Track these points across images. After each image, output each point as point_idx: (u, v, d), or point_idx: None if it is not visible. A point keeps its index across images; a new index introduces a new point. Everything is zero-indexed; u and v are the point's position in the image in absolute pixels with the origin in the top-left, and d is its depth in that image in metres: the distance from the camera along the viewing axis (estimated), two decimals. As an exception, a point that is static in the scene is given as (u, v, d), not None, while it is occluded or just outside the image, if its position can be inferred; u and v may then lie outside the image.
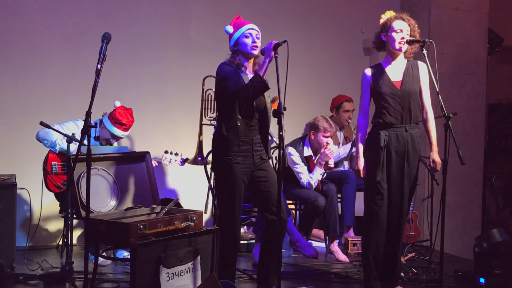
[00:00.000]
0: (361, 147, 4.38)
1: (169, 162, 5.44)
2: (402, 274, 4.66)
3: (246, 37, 3.96)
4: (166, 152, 5.42)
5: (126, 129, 5.37)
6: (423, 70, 4.34)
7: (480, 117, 6.88)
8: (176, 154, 5.45)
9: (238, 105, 3.90)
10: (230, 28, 4.03)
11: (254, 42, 3.95)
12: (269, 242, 4.10)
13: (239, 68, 3.96)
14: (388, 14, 4.36)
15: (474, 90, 6.82)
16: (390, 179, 4.29)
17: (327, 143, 5.51)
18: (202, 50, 6.34)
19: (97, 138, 5.37)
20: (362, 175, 4.38)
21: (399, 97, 4.25)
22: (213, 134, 5.09)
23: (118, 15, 6.13)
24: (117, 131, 5.31)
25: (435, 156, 4.31)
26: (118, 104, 5.33)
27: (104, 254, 4.26)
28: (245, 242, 5.68)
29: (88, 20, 6.00)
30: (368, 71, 4.37)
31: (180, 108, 6.32)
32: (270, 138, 4.16)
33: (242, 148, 3.94)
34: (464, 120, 6.63)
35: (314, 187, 5.54)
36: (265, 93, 3.97)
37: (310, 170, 5.59)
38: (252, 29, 3.98)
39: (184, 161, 5.51)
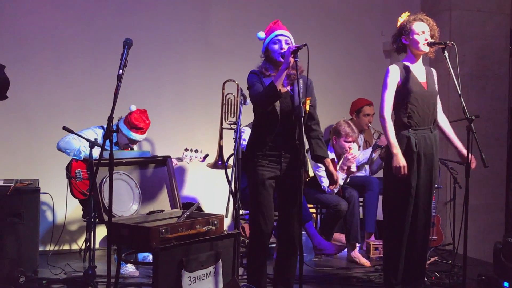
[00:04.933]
0: (394, 142, 4.16)
1: (190, 160, 5.46)
2: (425, 278, 4.63)
3: (275, 43, 3.91)
4: (186, 150, 5.44)
5: (143, 133, 5.39)
6: (435, 75, 4.37)
7: (502, 120, 6.81)
8: (196, 151, 5.48)
9: (262, 111, 3.90)
10: (261, 34, 3.99)
11: (281, 48, 3.89)
12: (283, 250, 4.08)
13: (264, 76, 3.94)
14: (404, 16, 4.32)
15: (496, 93, 6.75)
16: (419, 182, 4.23)
17: (350, 147, 5.49)
18: (222, 55, 6.37)
19: (116, 143, 5.39)
20: (403, 173, 4.11)
21: (426, 98, 4.22)
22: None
23: (138, 20, 6.17)
24: (135, 136, 5.34)
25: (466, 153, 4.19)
26: (133, 108, 5.34)
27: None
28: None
29: (108, 25, 6.06)
30: (395, 68, 4.26)
31: (200, 113, 6.35)
32: None
33: (268, 152, 3.92)
34: (486, 122, 6.57)
35: (335, 191, 5.52)
36: (296, 99, 3.87)
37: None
38: (282, 35, 3.93)
39: (205, 157, 5.52)
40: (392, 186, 4.29)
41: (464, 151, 4.26)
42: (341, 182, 5.51)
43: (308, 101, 3.87)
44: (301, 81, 3.91)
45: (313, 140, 4.07)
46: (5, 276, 4.27)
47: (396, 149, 4.13)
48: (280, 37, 3.92)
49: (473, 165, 4.18)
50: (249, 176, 4.02)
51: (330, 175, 4.09)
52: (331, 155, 5.67)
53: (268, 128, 3.91)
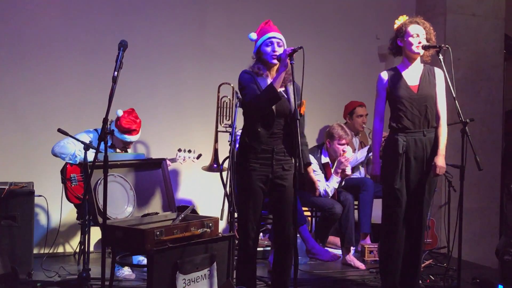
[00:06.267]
0: (375, 152, 4.38)
1: (184, 160, 5.46)
2: (419, 281, 4.63)
3: (267, 45, 3.91)
4: (179, 150, 5.44)
5: (137, 133, 5.40)
6: (439, 76, 4.33)
7: (497, 124, 6.84)
8: (190, 151, 5.47)
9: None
10: (253, 35, 3.98)
11: (274, 51, 3.89)
12: (279, 252, 4.09)
13: (258, 75, 3.94)
14: (402, 19, 4.36)
15: (490, 96, 6.78)
16: (410, 185, 4.26)
17: (344, 151, 5.51)
18: (217, 58, 6.37)
19: (112, 146, 5.39)
20: (377, 180, 4.39)
21: (416, 101, 4.23)
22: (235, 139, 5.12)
23: (134, 22, 6.17)
24: (129, 138, 5.36)
25: (438, 160, 4.22)
26: (120, 113, 5.32)
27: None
28: (261, 249, 5.65)
29: (104, 27, 6.05)
30: (385, 75, 4.36)
31: (195, 115, 6.34)
32: None
33: (260, 155, 3.91)
34: (481, 126, 6.58)
35: (330, 195, 5.52)
36: (291, 100, 3.91)
37: (327, 178, 5.58)
38: (274, 37, 3.93)
39: (198, 157, 5.52)
40: (383, 188, 4.39)
41: (436, 159, 4.22)
42: (335, 185, 5.52)
43: (304, 103, 3.86)
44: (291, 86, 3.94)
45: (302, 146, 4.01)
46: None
47: (375, 159, 4.38)
48: (272, 39, 3.92)
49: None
50: (240, 180, 4.00)
51: (310, 183, 4.08)
52: (325, 159, 5.68)
53: (262, 130, 3.90)
